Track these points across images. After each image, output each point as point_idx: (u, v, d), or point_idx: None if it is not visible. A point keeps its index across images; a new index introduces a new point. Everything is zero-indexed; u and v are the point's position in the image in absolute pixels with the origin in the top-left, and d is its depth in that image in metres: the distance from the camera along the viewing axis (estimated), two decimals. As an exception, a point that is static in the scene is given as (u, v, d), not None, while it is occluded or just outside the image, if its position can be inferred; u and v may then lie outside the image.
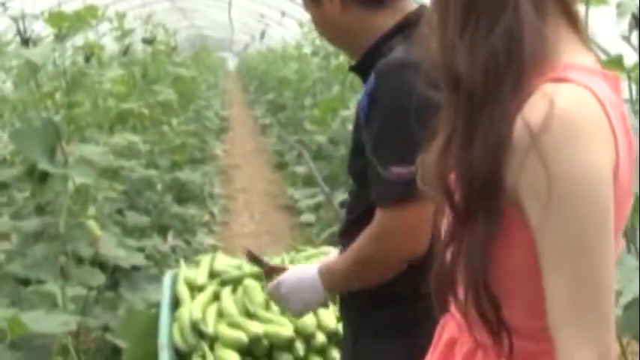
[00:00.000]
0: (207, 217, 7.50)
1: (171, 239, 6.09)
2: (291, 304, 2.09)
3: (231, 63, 37.92)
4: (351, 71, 2.14)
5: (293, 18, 15.08)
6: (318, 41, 10.70)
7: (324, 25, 2.09)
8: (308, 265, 2.20)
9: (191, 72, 9.52)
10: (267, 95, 16.41)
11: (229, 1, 17.16)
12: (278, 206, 8.84)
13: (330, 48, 9.54)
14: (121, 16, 5.51)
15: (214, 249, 6.62)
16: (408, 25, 1.95)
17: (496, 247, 1.14)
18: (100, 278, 3.23)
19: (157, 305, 3.24)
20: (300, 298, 2.06)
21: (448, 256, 1.19)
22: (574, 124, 1.06)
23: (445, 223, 1.23)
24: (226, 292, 2.98)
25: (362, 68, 2.02)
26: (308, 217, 7.63)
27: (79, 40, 4.82)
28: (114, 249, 3.61)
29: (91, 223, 3.34)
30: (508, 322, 1.16)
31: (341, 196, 6.69)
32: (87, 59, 4.44)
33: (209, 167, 9.54)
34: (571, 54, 1.16)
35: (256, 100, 19.80)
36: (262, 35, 18.60)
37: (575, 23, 1.20)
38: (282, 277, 2.09)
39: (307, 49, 11.70)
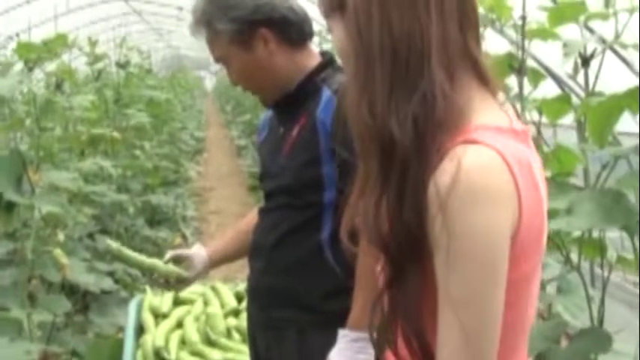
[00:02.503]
0: (179, 240, 7.51)
1: (142, 262, 6.09)
2: None
3: (209, 82, 37.76)
4: (275, 107, 2.33)
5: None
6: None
7: (254, 69, 2.27)
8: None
9: (166, 94, 9.54)
10: (244, 116, 16.41)
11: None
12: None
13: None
14: (92, 43, 5.54)
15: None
16: (330, 62, 2.29)
17: (427, 296, 1.22)
18: (65, 305, 3.26)
19: (124, 330, 3.29)
20: None
21: (385, 302, 1.28)
22: (477, 186, 1.15)
23: (380, 271, 1.31)
24: (190, 319, 3.03)
25: (294, 100, 2.24)
26: (280, 241, 7.63)
27: (50, 64, 4.84)
28: (82, 275, 3.64)
29: (57, 252, 3.37)
30: None
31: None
32: (58, 85, 4.47)
33: (182, 189, 9.55)
34: (482, 114, 1.25)
35: (232, 121, 19.80)
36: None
37: (487, 83, 1.29)
38: None
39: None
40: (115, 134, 5.63)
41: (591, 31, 4.35)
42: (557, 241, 2.53)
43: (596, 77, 2.36)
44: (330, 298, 2.15)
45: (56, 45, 3.39)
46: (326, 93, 2.18)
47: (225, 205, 10.25)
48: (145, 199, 6.73)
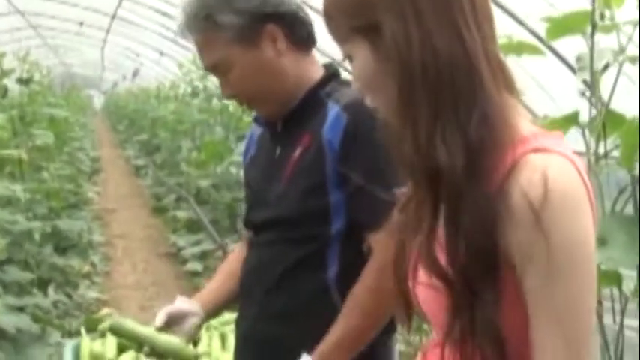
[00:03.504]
0: (87, 267, 7.07)
1: (52, 293, 5.67)
2: None
3: (97, 101, 37.24)
4: (270, 124, 2.03)
5: (171, 58, 14.96)
6: (197, 82, 10.44)
7: (259, 72, 1.94)
8: None
9: (65, 112, 9.08)
10: (140, 135, 15.92)
11: (104, 39, 16.75)
12: (160, 254, 8.48)
13: (213, 89, 9.29)
14: (0, 56, 5.12)
15: (98, 302, 6.25)
16: (335, 75, 2.00)
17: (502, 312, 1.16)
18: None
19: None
20: None
21: (456, 332, 1.17)
22: (568, 197, 1.11)
23: (433, 304, 1.23)
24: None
25: (297, 116, 1.96)
26: (194, 266, 7.30)
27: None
28: (2, 315, 3.26)
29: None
30: None
31: (232, 244, 6.41)
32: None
33: (84, 212, 9.06)
34: (522, 121, 1.20)
35: (127, 140, 19.25)
36: (135, 74, 18.17)
37: (513, 88, 1.22)
38: None
39: (185, 90, 11.46)
40: (23, 155, 5.22)
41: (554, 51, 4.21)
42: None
43: (611, 93, 2.14)
44: None
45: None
46: (333, 109, 1.87)
47: (129, 228, 9.81)
48: (53, 224, 6.28)
